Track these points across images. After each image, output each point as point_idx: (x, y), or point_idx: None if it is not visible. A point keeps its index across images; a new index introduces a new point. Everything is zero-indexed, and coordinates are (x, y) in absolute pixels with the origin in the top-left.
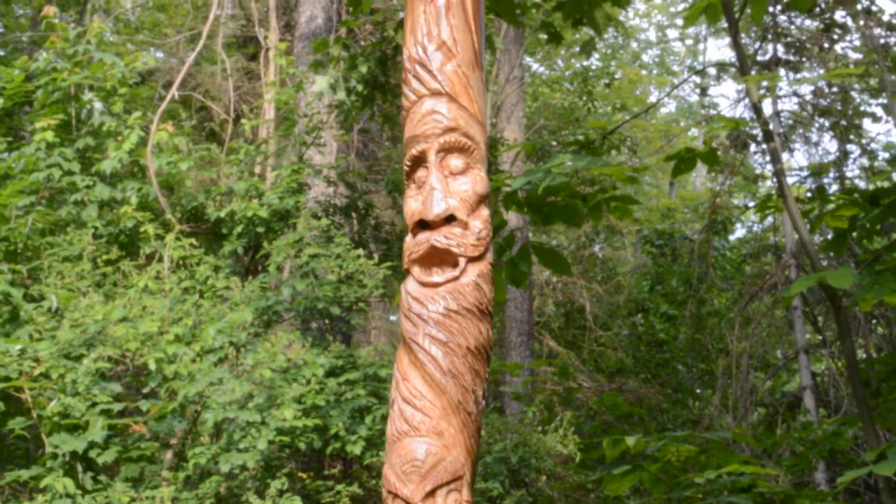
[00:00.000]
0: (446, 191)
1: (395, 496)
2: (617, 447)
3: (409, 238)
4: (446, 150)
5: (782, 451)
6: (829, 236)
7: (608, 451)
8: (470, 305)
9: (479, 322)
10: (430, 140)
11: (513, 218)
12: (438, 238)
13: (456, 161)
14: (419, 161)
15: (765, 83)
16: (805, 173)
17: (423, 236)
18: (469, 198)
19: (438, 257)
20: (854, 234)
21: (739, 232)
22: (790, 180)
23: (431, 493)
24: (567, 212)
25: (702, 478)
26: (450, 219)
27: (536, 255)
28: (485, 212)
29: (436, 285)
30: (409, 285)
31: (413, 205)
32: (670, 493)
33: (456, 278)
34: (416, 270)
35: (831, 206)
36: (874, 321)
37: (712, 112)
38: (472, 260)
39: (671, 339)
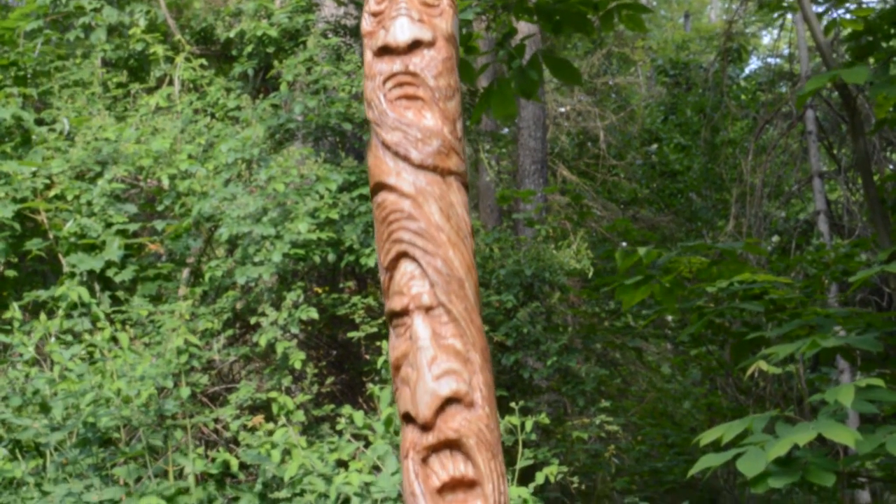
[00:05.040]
0: None
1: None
2: (629, 258)
3: None
4: None
5: (795, 275)
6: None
7: (620, 263)
8: None
9: None
10: None
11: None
12: None
13: None
14: None
15: None
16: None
17: None
18: None
19: None
20: (871, 60)
21: (755, 64)
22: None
23: None
24: (577, 19)
25: (713, 287)
26: None
27: (546, 64)
28: None
29: None
30: None
31: None
32: (682, 305)
33: None
34: None
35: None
36: (888, 147)
37: None
38: None
39: (685, 169)
